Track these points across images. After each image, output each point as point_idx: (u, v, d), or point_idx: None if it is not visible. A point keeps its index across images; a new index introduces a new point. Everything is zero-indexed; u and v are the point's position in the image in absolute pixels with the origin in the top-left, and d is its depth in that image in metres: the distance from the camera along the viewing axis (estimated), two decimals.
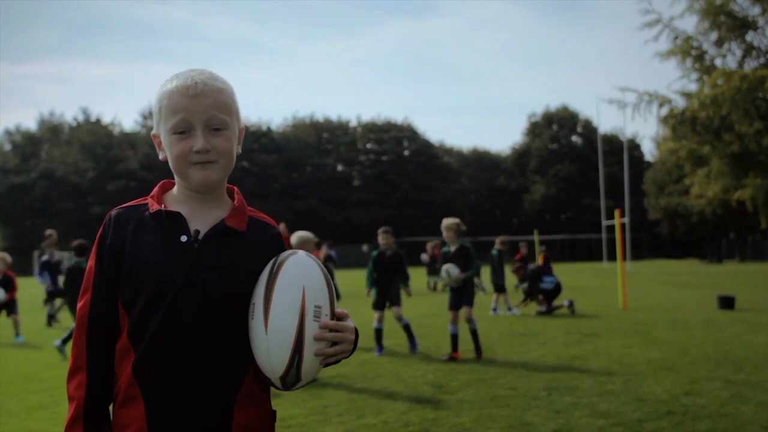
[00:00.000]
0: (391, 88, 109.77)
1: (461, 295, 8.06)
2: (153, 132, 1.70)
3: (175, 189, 1.70)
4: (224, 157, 1.62)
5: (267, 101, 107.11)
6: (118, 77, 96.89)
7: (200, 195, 1.66)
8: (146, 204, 1.65)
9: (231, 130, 1.64)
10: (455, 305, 8.11)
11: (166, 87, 1.63)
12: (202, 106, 1.59)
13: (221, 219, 1.64)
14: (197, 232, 1.61)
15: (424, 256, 21.61)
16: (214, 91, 1.61)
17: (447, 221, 8.33)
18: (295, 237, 7.81)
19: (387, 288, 8.67)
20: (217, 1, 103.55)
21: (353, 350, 1.62)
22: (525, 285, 14.02)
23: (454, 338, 8.05)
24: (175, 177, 1.68)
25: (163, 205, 1.63)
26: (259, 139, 59.37)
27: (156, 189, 1.70)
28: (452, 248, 8.22)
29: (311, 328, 1.52)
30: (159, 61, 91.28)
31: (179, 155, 1.60)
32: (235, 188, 1.75)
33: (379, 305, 8.64)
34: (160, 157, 1.68)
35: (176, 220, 1.61)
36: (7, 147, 58.29)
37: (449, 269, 7.95)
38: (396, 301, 8.63)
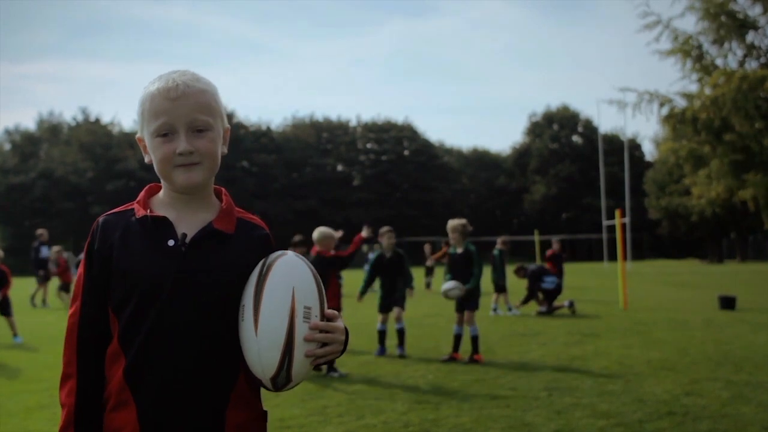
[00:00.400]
0: (391, 88, 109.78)
1: (465, 299, 8.02)
2: (138, 135, 1.69)
3: (161, 192, 1.70)
4: (208, 158, 1.62)
5: (267, 101, 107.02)
6: (117, 77, 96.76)
7: (186, 197, 1.65)
8: (133, 209, 1.65)
9: (214, 131, 1.63)
10: (460, 307, 8.08)
11: (149, 90, 1.62)
12: (184, 108, 1.58)
13: (209, 222, 1.64)
14: (184, 235, 1.60)
15: (430, 262, 21.67)
16: (196, 92, 1.60)
17: (452, 223, 8.24)
18: (317, 232, 7.73)
19: (391, 291, 8.53)
20: (217, 1, 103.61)
21: (343, 350, 1.62)
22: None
23: (457, 338, 8.01)
24: (161, 180, 1.67)
25: (149, 210, 1.63)
26: (259, 139, 59.34)
27: (142, 193, 1.69)
28: (458, 250, 8.16)
29: (301, 330, 1.52)
30: (159, 61, 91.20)
31: (163, 158, 1.60)
32: (223, 190, 1.73)
33: (384, 308, 8.51)
34: (146, 160, 1.68)
35: (162, 225, 1.60)
36: (7, 147, 58.26)
37: (448, 292, 7.95)
38: (400, 303, 8.50)
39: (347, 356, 8.01)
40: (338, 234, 7.91)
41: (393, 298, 8.51)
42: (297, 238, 8.98)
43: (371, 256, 15.39)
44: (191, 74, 1.63)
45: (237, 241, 1.65)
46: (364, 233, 7.66)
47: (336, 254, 7.60)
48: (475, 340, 7.88)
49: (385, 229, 8.73)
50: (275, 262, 1.58)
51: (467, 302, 8.01)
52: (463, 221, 8.24)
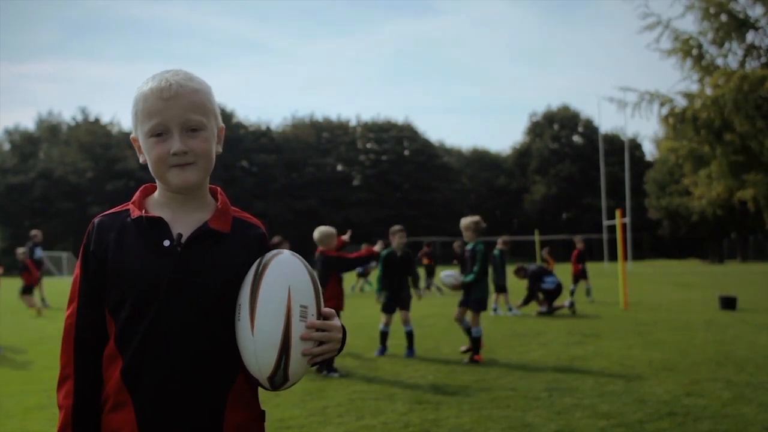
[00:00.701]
0: (391, 88, 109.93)
1: (467, 297, 8.00)
2: (132, 135, 1.69)
3: (156, 193, 1.69)
4: (202, 158, 1.61)
5: (267, 101, 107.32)
6: (117, 77, 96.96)
7: (182, 197, 1.65)
8: (128, 210, 1.64)
9: (208, 131, 1.62)
10: (462, 303, 8.07)
11: (142, 90, 1.61)
12: (177, 108, 1.57)
13: (204, 221, 1.63)
14: (180, 236, 1.59)
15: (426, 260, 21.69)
16: (189, 92, 1.59)
17: (465, 221, 8.19)
18: (317, 232, 7.69)
19: (399, 290, 8.42)
20: (217, 1, 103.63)
21: (341, 349, 1.62)
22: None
23: (468, 332, 7.98)
24: (156, 180, 1.66)
25: (143, 210, 1.62)
26: (258, 139, 59.36)
27: (137, 194, 1.68)
28: (469, 247, 8.13)
29: (298, 329, 1.51)
30: (159, 61, 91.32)
31: (157, 158, 1.59)
32: (218, 189, 1.72)
33: (388, 308, 8.37)
34: (141, 160, 1.67)
35: (158, 225, 1.60)
36: (6, 147, 58.25)
37: (444, 278, 8.09)
38: (406, 305, 8.40)
39: (347, 356, 7.99)
40: (346, 236, 7.85)
41: (399, 297, 8.40)
42: (276, 239, 8.86)
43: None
44: (184, 73, 1.62)
45: (233, 241, 1.64)
46: (377, 248, 7.63)
47: (340, 255, 7.56)
48: (477, 341, 7.84)
49: (396, 228, 8.65)
50: (271, 261, 1.57)
51: (468, 301, 7.98)
52: (475, 218, 8.17)
